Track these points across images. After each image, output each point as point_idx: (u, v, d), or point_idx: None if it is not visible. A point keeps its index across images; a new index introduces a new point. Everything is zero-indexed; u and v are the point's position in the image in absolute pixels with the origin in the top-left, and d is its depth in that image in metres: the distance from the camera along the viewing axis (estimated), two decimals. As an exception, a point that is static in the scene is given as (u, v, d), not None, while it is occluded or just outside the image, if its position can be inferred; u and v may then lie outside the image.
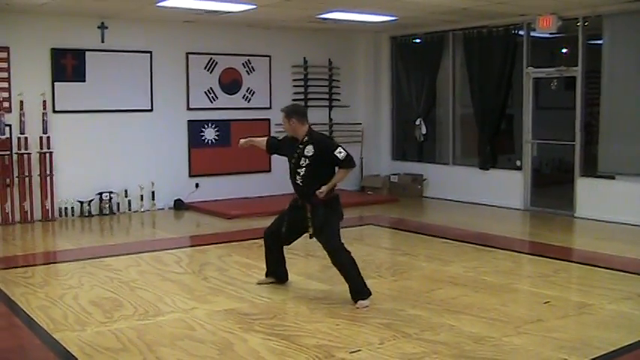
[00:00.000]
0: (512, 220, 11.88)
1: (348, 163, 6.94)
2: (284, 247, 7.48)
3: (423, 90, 14.20)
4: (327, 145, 7.08)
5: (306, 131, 7.09)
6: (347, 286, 6.87)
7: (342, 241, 6.95)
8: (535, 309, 6.66)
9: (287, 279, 7.58)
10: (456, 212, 12.60)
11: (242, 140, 7.82)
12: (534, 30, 12.07)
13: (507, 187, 12.75)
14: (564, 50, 12.74)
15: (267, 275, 7.63)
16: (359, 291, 6.83)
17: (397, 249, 9.60)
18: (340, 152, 6.89)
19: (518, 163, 12.74)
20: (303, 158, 7.02)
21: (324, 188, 6.84)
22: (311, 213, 6.97)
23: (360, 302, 6.75)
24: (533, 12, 11.61)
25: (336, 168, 6.98)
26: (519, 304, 7.02)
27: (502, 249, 9.25)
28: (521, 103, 12.59)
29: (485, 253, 9.03)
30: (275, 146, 7.64)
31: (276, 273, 7.58)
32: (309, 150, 6.99)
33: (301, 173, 7.05)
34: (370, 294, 6.84)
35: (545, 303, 6.78)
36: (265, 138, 7.81)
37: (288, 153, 7.24)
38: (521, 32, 12.45)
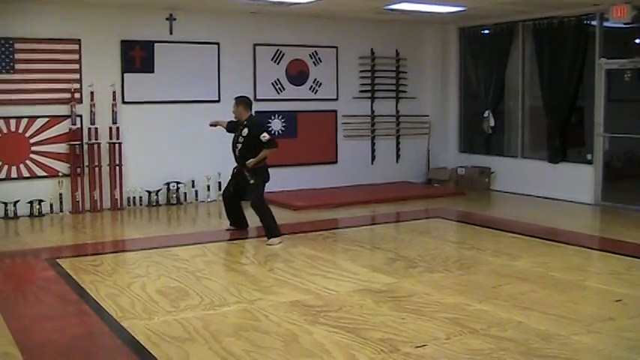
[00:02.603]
0: (582, 215, 11.63)
1: (268, 144, 9.26)
2: (239, 201, 9.87)
3: (491, 82, 13.99)
4: (257, 129, 9.35)
5: (247, 117, 9.50)
6: (413, 278, 7.44)
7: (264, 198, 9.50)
8: (606, 307, 6.48)
9: (247, 226, 9.98)
10: (524, 206, 12.39)
11: (211, 122, 10.24)
12: (607, 20, 11.76)
13: (577, 181, 12.48)
14: (639, 41, 12.38)
15: (230, 225, 10.02)
16: (272, 230, 9.22)
17: (464, 243, 9.47)
18: (264, 136, 9.24)
19: (588, 156, 12.45)
20: (240, 137, 9.39)
21: (251, 161, 9.22)
22: (242, 176, 9.44)
23: (272, 239, 9.14)
24: (606, 1, 11.32)
25: None
26: (589, 302, 6.85)
27: (571, 244, 9.04)
28: (592, 96, 12.30)
29: (554, 249, 8.85)
30: (231, 127, 9.79)
31: (237, 223, 9.96)
32: (245, 131, 9.36)
33: (239, 147, 9.40)
34: (281, 234, 9.26)
35: (617, 301, 6.59)
36: (227, 120, 9.96)
37: (234, 132, 9.59)
38: (593, 22, 12.15)
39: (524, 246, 9.03)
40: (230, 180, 9.81)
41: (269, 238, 9.18)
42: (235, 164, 9.67)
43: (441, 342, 5.46)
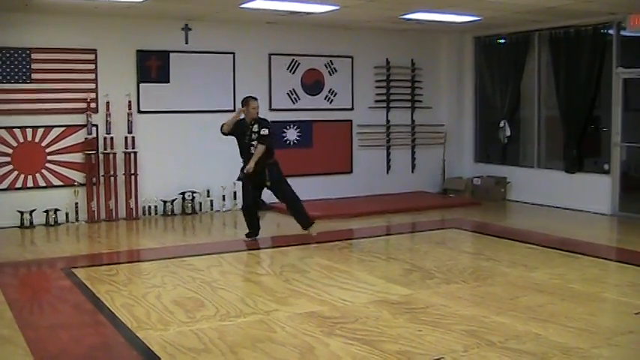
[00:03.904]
0: (599, 226, 11.53)
1: (265, 138, 9.59)
2: (258, 210, 10.10)
3: (507, 91, 13.94)
4: (266, 124, 9.72)
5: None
6: (429, 290, 7.39)
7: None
8: (625, 320, 6.41)
9: (258, 233, 10.14)
10: (540, 217, 12.31)
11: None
12: (625, 29, 11.71)
13: (594, 192, 12.39)
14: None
15: (248, 235, 10.04)
16: (309, 222, 10.07)
17: (480, 253, 9.39)
18: (264, 131, 9.62)
19: (605, 166, 12.37)
20: (253, 134, 9.61)
21: (250, 163, 9.52)
22: (268, 172, 9.71)
23: (312, 228, 10.04)
24: (623, 10, 11.26)
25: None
26: (608, 314, 6.79)
27: (589, 256, 8.94)
28: (609, 105, 12.22)
29: (572, 260, 8.77)
30: (235, 128, 9.84)
31: (254, 232, 10.05)
32: (255, 127, 9.62)
33: (254, 145, 9.58)
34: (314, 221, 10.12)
35: (637, 314, 6.52)
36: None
37: (241, 133, 9.71)
38: (610, 31, 12.08)
39: (541, 257, 8.96)
40: (247, 190, 9.94)
41: (308, 227, 10.06)
42: (240, 172, 9.91)
43: (458, 354, 5.41)
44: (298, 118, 13.26)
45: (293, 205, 10.18)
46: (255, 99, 9.87)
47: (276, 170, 9.90)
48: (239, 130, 9.80)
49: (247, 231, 10.08)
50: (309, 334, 5.93)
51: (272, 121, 10.32)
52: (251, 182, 9.84)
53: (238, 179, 10.12)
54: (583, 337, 5.83)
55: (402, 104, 14.40)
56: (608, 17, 11.83)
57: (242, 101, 9.96)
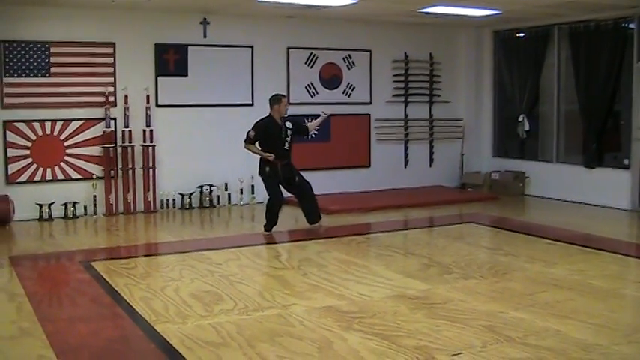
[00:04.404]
0: (619, 222, 11.43)
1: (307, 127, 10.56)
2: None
3: (526, 85, 13.86)
4: (298, 119, 10.53)
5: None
6: (447, 285, 7.35)
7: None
8: (645, 316, 6.38)
9: None
10: (559, 212, 12.22)
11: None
12: (646, 23, 11.62)
13: (614, 187, 12.29)
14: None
15: (269, 230, 10.07)
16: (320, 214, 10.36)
17: (498, 249, 9.34)
18: (304, 123, 10.59)
19: (626, 161, 12.27)
20: (288, 130, 9.96)
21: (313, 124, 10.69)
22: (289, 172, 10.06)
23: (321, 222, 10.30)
24: (645, 5, 11.18)
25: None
26: (628, 311, 6.73)
27: (609, 251, 8.87)
28: (629, 99, 12.12)
29: (592, 256, 8.70)
30: (264, 129, 9.90)
31: (273, 226, 10.11)
32: (289, 124, 10.01)
33: (288, 141, 9.95)
34: None
35: (657, 310, 6.49)
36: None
37: (273, 133, 9.85)
38: (631, 25, 11.97)
39: (560, 252, 8.90)
40: (274, 186, 9.99)
41: (319, 220, 10.29)
42: (268, 167, 9.88)
43: (477, 350, 5.38)
44: (316, 111, 13.17)
45: (312, 199, 10.26)
46: (282, 96, 10.12)
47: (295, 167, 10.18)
48: (271, 131, 9.87)
49: (265, 224, 10.10)
50: (327, 329, 5.91)
51: (290, 115, 10.34)
52: (278, 178, 9.96)
53: (264, 175, 10.00)
54: (603, 333, 5.78)
55: (420, 98, 14.35)
56: (629, 11, 11.72)
57: (273, 98, 9.98)
